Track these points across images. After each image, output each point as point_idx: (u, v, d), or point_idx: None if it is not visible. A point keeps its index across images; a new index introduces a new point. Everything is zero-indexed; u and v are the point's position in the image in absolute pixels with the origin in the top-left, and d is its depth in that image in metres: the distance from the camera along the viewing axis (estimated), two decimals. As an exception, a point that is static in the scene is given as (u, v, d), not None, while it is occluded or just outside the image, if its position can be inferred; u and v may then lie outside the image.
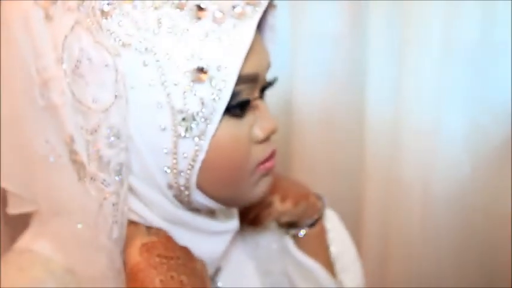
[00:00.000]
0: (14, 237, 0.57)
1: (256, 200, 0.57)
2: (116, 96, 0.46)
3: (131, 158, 0.49)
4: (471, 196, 1.12)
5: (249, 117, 0.52)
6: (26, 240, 0.55)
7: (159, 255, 0.49)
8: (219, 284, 0.61)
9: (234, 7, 0.47)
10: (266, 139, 0.54)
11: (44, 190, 0.51)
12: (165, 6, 0.47)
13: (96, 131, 0.46)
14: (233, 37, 0.47)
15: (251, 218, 0.67)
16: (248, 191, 0.55)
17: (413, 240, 1.15)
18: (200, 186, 0.51)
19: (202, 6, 0.47)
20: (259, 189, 0.55)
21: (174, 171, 0.49)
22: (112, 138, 0.47)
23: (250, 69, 0.49)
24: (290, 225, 0.72)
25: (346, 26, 1.14)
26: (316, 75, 1.18)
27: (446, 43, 1.03)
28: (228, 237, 0.59)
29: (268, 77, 0.56)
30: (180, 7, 0.47)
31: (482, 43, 1.03)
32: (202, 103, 0.47)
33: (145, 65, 0.46)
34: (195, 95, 0.47)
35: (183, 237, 0.53)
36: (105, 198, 0.47)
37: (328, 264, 0.72)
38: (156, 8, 0.47)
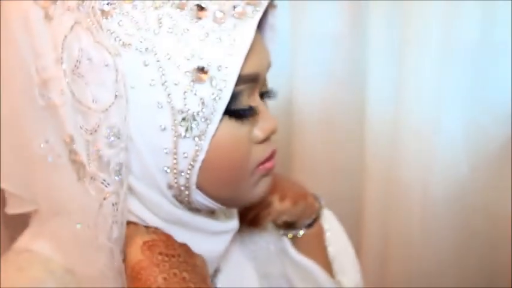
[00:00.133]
0: (13, 237, 0.57)
1: (256, 200, 0.57)
2: (116, 96, 0.46)
3: (131, 158, 0.49)
4: (471, 196, 1.12)
5: (249, 117, 0.52)
6: (25, 240, 0.55)
7: (160, 253, 0.49)
8: (218, 285, 0.61)
9: (234, 7, 0.47)
10: (266, 139, 0.54)
11: (43, 190, 0.51)
12: (165, 6, 0.47)
13: (96, 131, 0.46)
14: (233, 37, 0.47)
15: (250, 218, 0.67)
16: (248, 191, 0.55)
17: (413, 240, 1.15)
18: (200, 187, 0.51)
19: (202, 6, 0.47)
20: (259, 189, 0.55)
21: (174, 171, 0.49)
22: (112, 138, 0.46)
23: (250, 69, 0.49)
24: (288, 227, 0.72)
25: (346, 26, 1.14)
26: (316, 75, 1.18)
27: (446, 43, 1.03)
28: (228, 237, 0.59)
29: (269, 77, 0.56)
30: (181, 7, 0.47)
31: (482, 43, 1.03)
32: (203, 103, 0.47)
33: (145, 65, 0.46)
34: (195, 95, 0.47)
35: (182, 237, 0.53)
36: (104, 198, 0.47)
37: (327, 265, 0.72)
38: (156, 8, 0.46)
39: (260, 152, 0.54)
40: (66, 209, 0.49)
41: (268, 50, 0.55)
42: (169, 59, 0.46)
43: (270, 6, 0.56)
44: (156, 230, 0.52)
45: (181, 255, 0.50)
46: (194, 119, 0.47)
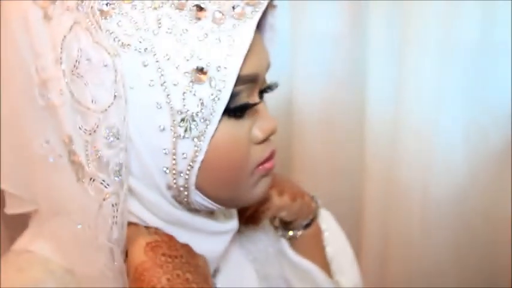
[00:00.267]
0: (13, 237, 0.57)
1: (255, 200, 0.57)
2: (115, 96, 0.46)
3: (130, 158, 0.49)
4: (471, 196, 1.12)
5: (248, 117, 0.52)
6: (25, 240, 0.55)
7: (163, 254, 0.49)
8: (218, 285, 0.61)
9: (233, 7, 0.47)
10: (266, 139, 0.54)
11: (43, 190, 0.51)
12: (164, 7, 0.47)
13: (95, 131, 0.46)
14: (233, 37, 0.46)
15: (249, 214, 0.67)
16: (247, 192, 0.54)
17: (413, 240, 1.15)
18: (199, 187, 0.51)
19: (202, 6, 0.47)
20: (259, 189, 0.55)
21: (173, 171, 0.49)
22: (111, 139, 0.46)
23: (249, 70, 0.49)
24: (285, 228, 0.72)
25: (346, 26, 1.14)
26: (316, 75, 1.18)
27: (446, 43, 1.03)
28: (227, 238, 0.59)
29: (268, 77, 0.56)
30: (180, 7, 0.47)
31: (482, 43, 1.03)
32: (202, 104, 0.47)
33: (144, 65, 0.46)
34: (194, 95, 0.46)
35: (182, 238, 0.53)
36: (104, 199, 0.47)
37: (325, 265, 0.72)
38: (155, 8, 0.46)
39: (259, 153, 0.53)
40: (66, 209, 0.49)
41: (268, 51, 0.55)
42: (168, 59, 0.46)
43: (270, 6, 0.55)
44: (157, 231, 0.52)
45: (184, 256, 0.50)
46: (193, 120, 0.47)
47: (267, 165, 0.54)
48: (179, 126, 0.47)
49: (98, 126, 0.46)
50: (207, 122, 0.47)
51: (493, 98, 1.06)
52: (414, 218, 1.14)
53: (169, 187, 0.50)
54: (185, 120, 0.47)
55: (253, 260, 0.70)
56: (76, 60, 0.46)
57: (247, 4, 0.48)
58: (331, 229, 0.74)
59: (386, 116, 1.12)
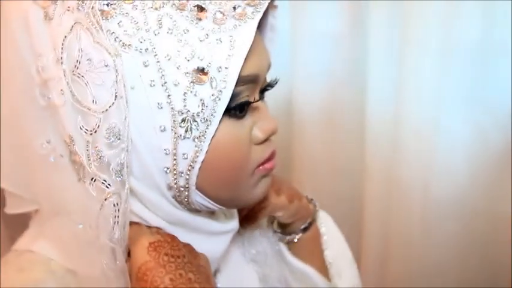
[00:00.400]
0: (13, 237, 0.57)
1: (255, 201, 0.57)
2: (115, 96, 0.46)
3: (131, 158, 0.49)
4: (471, 196, 1.12)
5: (248, 118, 0.52)
6: (26, 240, 0.55)
7: (166, 254, 0.49)
8: (218, 285, 0.61)
9: (234, 8, 0.47)
10: (266, 140, 0.54)
11: (44, 190, 0.51)
12: (165, 7, 0.47)
13: (96, 131, 0.46)
14: (234, 38, 0.47)
15: (246, 213, 0.67)
16: (248, 192, 0.55)
17: (413, 240, 1.15)
18: (200, 187, 0.51)
19: (202, 6, 0.47)
20: (259, 190, 0.55)
21: (174, 172, 0.49)
22: (112, 139, 0.46)
23: (250, 70, 0.49)
24: (284, 231, 0.72)
25: (346, 26, 1.13)
26: (316, 75, 1.18)
27: (446, 43, 1.03)
28: (228, 238, 0.59)
29: (268, 77, 0.56)
30: (181, 8, 0.47)
31: (482, 43, 1.03)
32: (203, 104, 0.47)
33: (145, 65, 0.46)
34: (195, 95, 0.46)
35: (183, 238, 0.53)
36: (106, 199, 0.47)
37: (323, 269, 0.72)
38: (156, 9, 0.46)
39: (260, 153, 0.54)
40: (67, 209, 0.49)
41: (268, 51, 0.55)
42: (169, 59, 0.46)
43: (270, 6, 0.56)
44: (159, 231, 0.52)
45: (186, 256, 0.50)
46: (194, 120, 0.47)
47: (268, 165, 0.55)
48: (180, 126, 0.47)
49: (98, 126, 0.46)
50: (208, 122, 0.47)
51: (493, 98, 1.06)
52: (414, 218, 1.14)
53: (169, 187, 0.50)
54: (186, 120, 0.47)
55: (252, 261, 0.70)
56: (77, 60, 0.46)
57: (248, 4, 0.48)
58: (329, 232, 0.74)
59: (387, 116, 1.12)
